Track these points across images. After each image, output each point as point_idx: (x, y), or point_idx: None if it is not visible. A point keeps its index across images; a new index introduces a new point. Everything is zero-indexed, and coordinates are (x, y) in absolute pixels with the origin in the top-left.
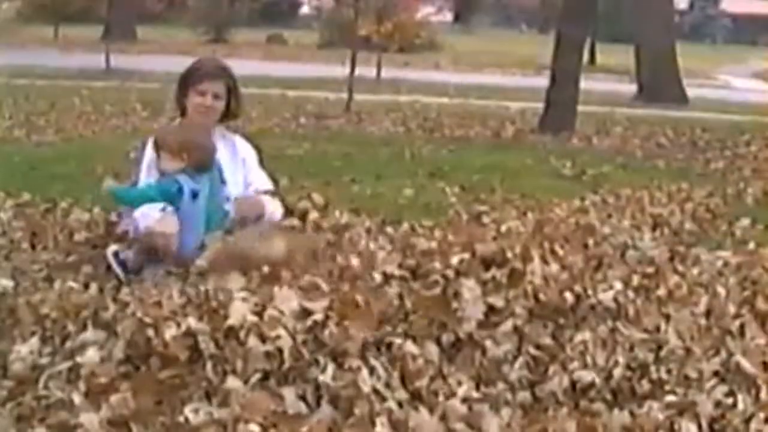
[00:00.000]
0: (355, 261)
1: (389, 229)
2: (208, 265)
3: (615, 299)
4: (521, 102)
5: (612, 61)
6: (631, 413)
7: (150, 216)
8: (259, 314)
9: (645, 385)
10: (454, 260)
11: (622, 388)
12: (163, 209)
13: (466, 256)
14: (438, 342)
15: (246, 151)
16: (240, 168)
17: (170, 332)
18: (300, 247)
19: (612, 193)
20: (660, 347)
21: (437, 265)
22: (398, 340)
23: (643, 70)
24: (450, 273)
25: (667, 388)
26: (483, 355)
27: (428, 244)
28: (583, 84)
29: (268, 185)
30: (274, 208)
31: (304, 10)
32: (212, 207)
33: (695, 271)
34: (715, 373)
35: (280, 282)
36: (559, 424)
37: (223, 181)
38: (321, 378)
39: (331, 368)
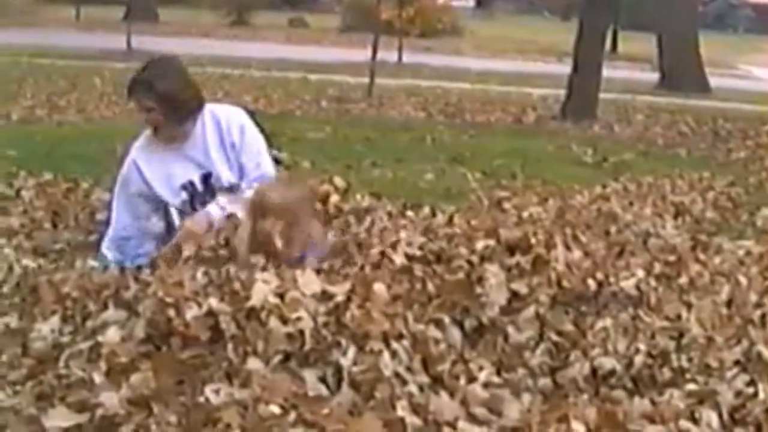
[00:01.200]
0: (376, 244)
1: (410, 213)
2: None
3: (637, 287)
4: (543, 88)
5: (634, 49)
6: (652, 401)
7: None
8: (281, 296)
9: (666, 373)
10: (479, 245)
11: (643, 375)
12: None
13: (491, 241)
14: (460, 327)
15: (236, 132)
16: (230, 153)
17: (191, 312)
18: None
19: (633, 180)
20: (681, 335)
21: (462, 250)
22: (420, 325)
23: (666, 59)
24: (474, 258)
25: (688, 376)
26: (505, 341)
27: (450, 229)
28: (605, 72)
29: (264, 170)
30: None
31: None
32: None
33: (717, 259)
34: (737, 362)
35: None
36: (580, 410)
37: (220, 183)
38: (342, 360)
39: (352, 351)
